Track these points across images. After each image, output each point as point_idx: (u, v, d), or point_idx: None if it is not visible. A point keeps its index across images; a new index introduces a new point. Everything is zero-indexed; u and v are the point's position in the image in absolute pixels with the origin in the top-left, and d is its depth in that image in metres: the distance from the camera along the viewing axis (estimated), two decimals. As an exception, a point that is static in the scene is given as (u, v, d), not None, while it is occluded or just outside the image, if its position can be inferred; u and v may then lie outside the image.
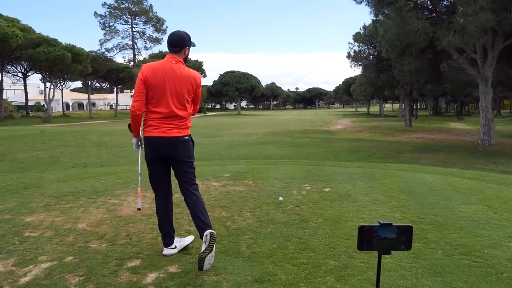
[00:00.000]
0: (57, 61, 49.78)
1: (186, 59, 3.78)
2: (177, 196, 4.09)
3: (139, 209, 3.90)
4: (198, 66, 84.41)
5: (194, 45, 3.85)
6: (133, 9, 68.18)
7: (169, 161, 3.76)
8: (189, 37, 3.77)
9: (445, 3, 23.96)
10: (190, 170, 3.78)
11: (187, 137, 3.71)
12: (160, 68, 3.61)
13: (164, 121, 3.62)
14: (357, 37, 43.93)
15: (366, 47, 44.41)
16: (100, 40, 68.92)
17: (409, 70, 28.66)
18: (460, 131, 37.58)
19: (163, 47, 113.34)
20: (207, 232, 3.50)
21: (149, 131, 3.65)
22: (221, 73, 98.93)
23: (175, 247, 3.86)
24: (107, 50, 69.01)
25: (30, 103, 62.41)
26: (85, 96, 79.91)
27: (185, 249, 3.91)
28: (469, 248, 3.95)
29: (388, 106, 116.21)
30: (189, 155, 3.76)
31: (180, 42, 3.70)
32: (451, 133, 35.01)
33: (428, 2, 23.38)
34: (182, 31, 3.76)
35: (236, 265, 3.54)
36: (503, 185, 7.83)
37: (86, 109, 79.02)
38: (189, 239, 4.05)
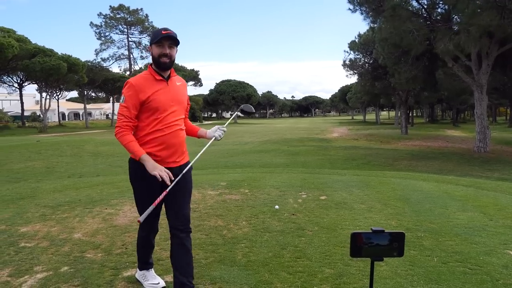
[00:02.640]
0: (52, 71, 49.74)
1: (153, 60, 3.09)
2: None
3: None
4: (194, 75, 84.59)
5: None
6: (128, 19, 68.45)
7: None
8: (151, 35, 3.14)
9: (439, 10, 24.12)
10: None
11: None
12: None
13: None
14: (352, 46, 44.15)
15: (361, 55, 44.64)
16: (96, 50, 69.20)
17: (406, 78, 28.81)
18: (456, 138, 37.68)
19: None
20: None
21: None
22: (217, 82, 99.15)
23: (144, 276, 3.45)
24: (103, 60, 69.25)
25: (26, 113, 62.36)
26: (81, 105, 79.74)
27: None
28: (464, 255, 3.96)
29: (384, 113, 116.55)
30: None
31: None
32: (447, 140, 35.08)
33: (423, 10, 23.53)
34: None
35: (232, 274, 3.54)
36: (499, 192, 7.86)
37: (82, 119, 78.84)
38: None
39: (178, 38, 3.02)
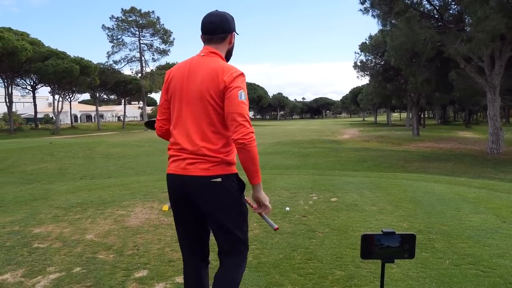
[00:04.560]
0: (65, 74, 50.32)
1: (231, 51, 2.57)
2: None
3: (276, 228, 2.66)
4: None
5: (237, 33, 2.57)
6: (140, 22, 68.78)
7: (197, 214, 2.45)
8: (233, 18, 2.50)
9: (451, 11, 23.96)
10: (220, 235, 2.42)
11: (219, 179, 2.28)
12: (182, 67, 2.44)
13: (179, 147, 2.36)
14: (363, 47, 44.01)
15: (372, 56, 44.47)
16: (107, 53, 69.49)
17: (420, 80, 28.72)
18: (468, 140, 37.34)
19: (171, 58, 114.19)
20: None
21: (168, 165, 2.46)
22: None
23: None
24: (115, 62, 69.58)
25: (39, 116, 63.09)
26: (93, 108, 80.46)
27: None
28: (477, 257, 3.92)
29: (395, 115, 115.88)
30: (224, 207, 2.35)
31: (220, 26, 2.43)
32: (459, 142, 34.78)
33: (435, 11, 23.38)
34: (221, 11, 2.48)
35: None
36: (512, 194, 7.77)
37: (94, 121, 79.51)
38: None
39: None
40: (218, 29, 2.41)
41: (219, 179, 2.27)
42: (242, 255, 2.47)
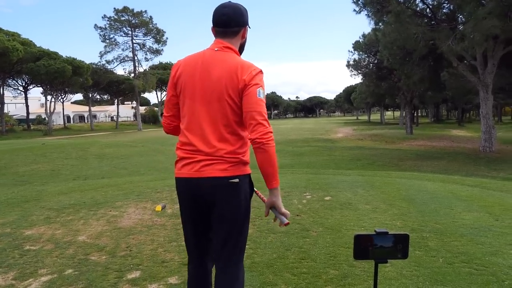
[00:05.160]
0: (57, 74, 50.09)
1: (244, 46, 2.45)
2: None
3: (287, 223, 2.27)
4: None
5: (250, 27, 2.44)
6: (133, 21, 68.50)
7: (209, 215, 2.34)
8: (246, 10, 2.37)
9: (444, 10, 24.06)
10: (230, 237, 2.30)
11: (237, 180, 2.21)
12: (192, 61, 2.30)
13: (193, 148, 2.24)
14: (356, 46, 44.15)
15: (365, 55, 44.61)
16: (100, 52, 69.12)
17: (413, 80, 28.84)
18: (461, 138, 37.55)
19: (164, 58, 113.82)
20: None
21: (177, 167, 2.32)
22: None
23: None
24: (108, 62, 69.25)
25: (31, 116, 62.70)
26: (86, 108, 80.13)
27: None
28: (470, 256, 3.93)
29: (389, 114, 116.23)
30: (237, 208, 2.26)
31: (234, 19, 2.30)
32: (452, 140, 34.96)
33: (428, 10, 23.47)
34: (235, 2, 2.35)
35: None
36: (505, 192, 7.81)
37: (87, 121, 79.18)
38: None
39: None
40: (232, 22, 2.28)
41: (237, 180, 2.20)
42: (242, 262, 2.39)
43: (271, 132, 2.12)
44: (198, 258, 2.44)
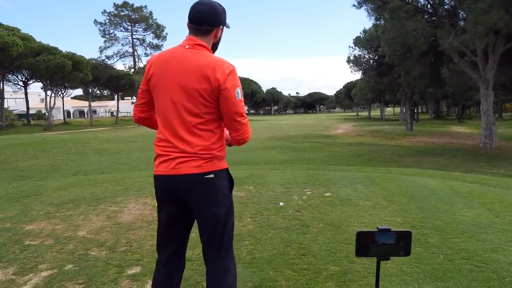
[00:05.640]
0: (57, 69, 50.02)
1: (217, 45, 2.43)
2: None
3: None
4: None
5: (228, 27, 2.44)
6: (133, 16, 68.44)
7: (188, 212, 2.37)
8: (224, 10, 2.36)
9: (445, 6, 24.00)
10: (215, 232, 2.33)
11: (212, 175, 2.24)
12: (164, 58, 2.31)
13: (168, 146, 2.27)
14: (357, 41, 44.05)
15: (366, 51, 44.51)
16: (100, 48, 69.14)
17: (414, 76, 28.80)
18: (461, 134, 37.52)
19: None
20: None
21: (155, 164, 2.35)
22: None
23: None
24: (107, 57, 69.31)
25: (31, 112, 62.67)
26: (86, 103, 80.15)
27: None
28: (470, 252, 3.92)
29: (389, 110, 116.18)
30: (215, 203, 2.28)
31: (208, 18, 2.29)
32: (452, 136, 34.94)
33: (428, 6, 23.42)
34: (213, 1, 2.33)
35: (236, 271, 3.52)
36: (505, 189, 7.79)
37: (87, 117, 79.19)
38: None
39: None
40: (205, 21, 2.29)
41: (212, 175, 2.23)
42: (232, 254, 2.43)
43: (250, 128, 2.34)
44: (169, 257, 2.44)
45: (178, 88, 2.22)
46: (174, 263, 2.45)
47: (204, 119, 2.22)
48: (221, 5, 2.34)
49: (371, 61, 45.11)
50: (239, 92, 2.24)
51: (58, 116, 72.27)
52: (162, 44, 71.62)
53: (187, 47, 2.27)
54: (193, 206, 2.30)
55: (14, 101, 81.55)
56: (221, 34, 2.41)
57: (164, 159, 2.27)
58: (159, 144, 2.31)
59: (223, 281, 2.31)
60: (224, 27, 2.42)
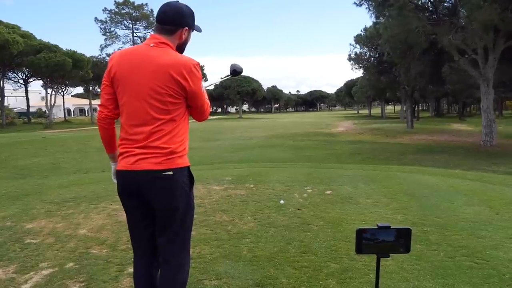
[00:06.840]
0: (57, 67, 50.01)
1: (182, 47, 2.45)
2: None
3: None
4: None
5: (199, 30, 2.51)
6: (133, 14, 68.29)
7: (150, 207, 2.38)
8: (191, 13, 2.40)
9: (446, 4, 23.98)
10: (171, 229, 2.36)
11: (170, 172, 2.25)
12: (127, 56, 2.34)
13: (130, 143, 2.30)
14: (358, 39, 44.00)
15: (367, 49, 44.47)
16: (100, 45, 69.04)
17: (414, 73, 28.80)
18: (462, 132, 37.48)
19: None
20: None
21: (118, 161, 2.39)
22: (222, 77, 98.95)
23: None
24: (108, 55, 69.02)
25: (31, 110, 62.67)
26: (86, 101, 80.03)
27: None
28: (471, 249, 3.93)
29: (389, 108, 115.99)
30: (173, 201, 2.30)
31: (172, 18, 2.34)
32: (453, 134, 34.90)
33: (429, 4, 23.39)
34: (181, 3, 2.40)
35: (237, 269, 3.53)
36: (505, 186, 7.81)
37: (88, 115, 79.13)
38: None
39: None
40: (168, 21, 2.33)
41: (171, 173, 2.24)
42: (188, 252, 2.46)
43: (209, 107, 2.51)
44: (142, 253, 2.48)
45: (142, 86, 2.23)
46: (149, 257, 2.47)
47: (167, 116, 2.24)
48: (189, 8, 2.39)
49: (372, 58, 45.07)
50: (202, 86, 2.34)
51: (58, 114, 72.24)
52: (162, 42, 71.50)
53: (151, 45, 2.29)
54: (151, 201, 2.32)
55: (15, 99, 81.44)
56: (187, 36, 2.44)
57: (126, 155, 2.29)
58: (121, 141, 2.35)
59: (177, 278, 2.36)
60: (194, 30, 2.48)
